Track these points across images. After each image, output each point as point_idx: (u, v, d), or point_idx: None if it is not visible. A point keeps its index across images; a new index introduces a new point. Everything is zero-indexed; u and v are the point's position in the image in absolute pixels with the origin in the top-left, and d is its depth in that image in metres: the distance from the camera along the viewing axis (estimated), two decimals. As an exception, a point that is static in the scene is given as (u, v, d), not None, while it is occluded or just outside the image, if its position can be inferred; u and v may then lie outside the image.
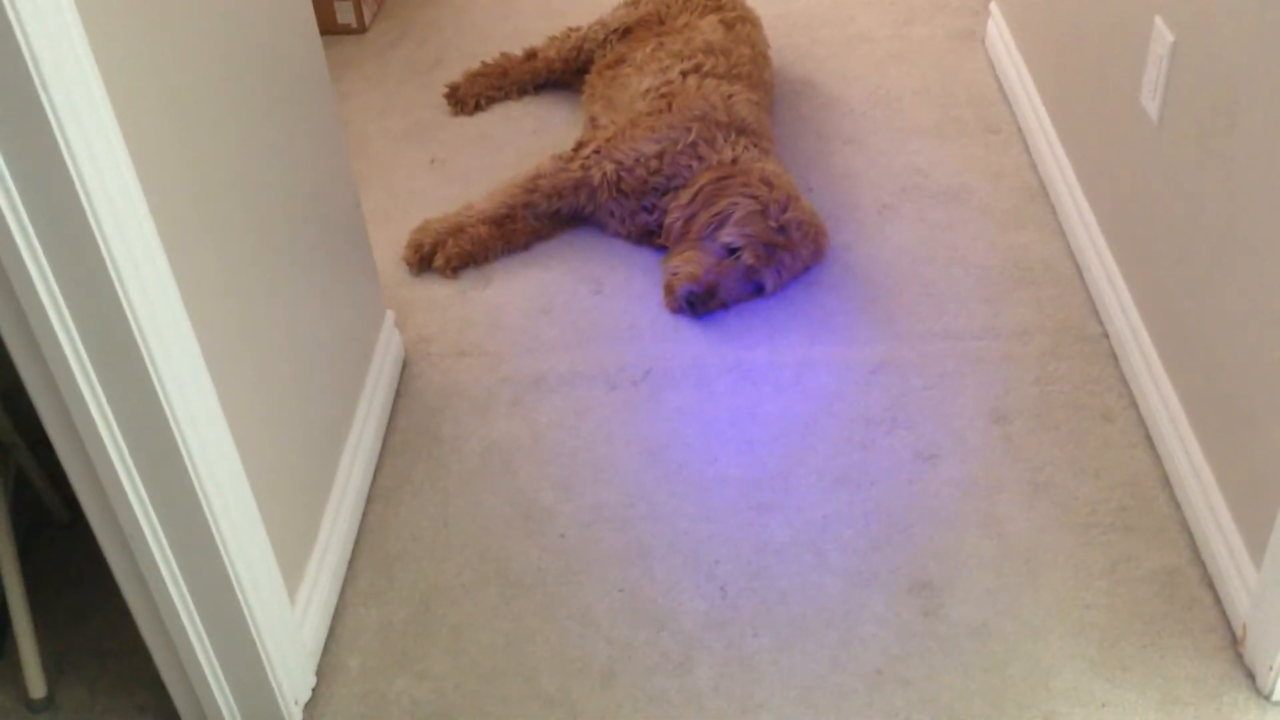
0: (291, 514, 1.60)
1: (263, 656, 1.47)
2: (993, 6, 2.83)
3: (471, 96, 2.80)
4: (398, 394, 2.06)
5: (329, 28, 3.09)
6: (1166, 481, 1.79)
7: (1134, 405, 1.92)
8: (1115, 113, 1.99)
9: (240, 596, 1.41)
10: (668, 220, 2.28)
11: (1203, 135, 1.66)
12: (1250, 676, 1.53)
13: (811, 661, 1.60)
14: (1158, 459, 1.83)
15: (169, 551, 1.36)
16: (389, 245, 2.36)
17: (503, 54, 2.87)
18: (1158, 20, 1.78)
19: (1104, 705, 1.52)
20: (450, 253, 2.31)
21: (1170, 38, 1.74)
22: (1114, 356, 2.01)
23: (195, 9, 1.37)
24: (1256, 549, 1.52)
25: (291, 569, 1.57)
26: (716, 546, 1.77)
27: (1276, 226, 1.45)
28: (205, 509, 1.34)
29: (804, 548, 1.76)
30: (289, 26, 1.67)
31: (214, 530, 1.36)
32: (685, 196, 2.27)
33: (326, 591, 1.68)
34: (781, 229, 2.19)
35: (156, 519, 1.34)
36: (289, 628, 1.54)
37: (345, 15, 3.10)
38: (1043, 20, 2.47)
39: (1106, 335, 2.05)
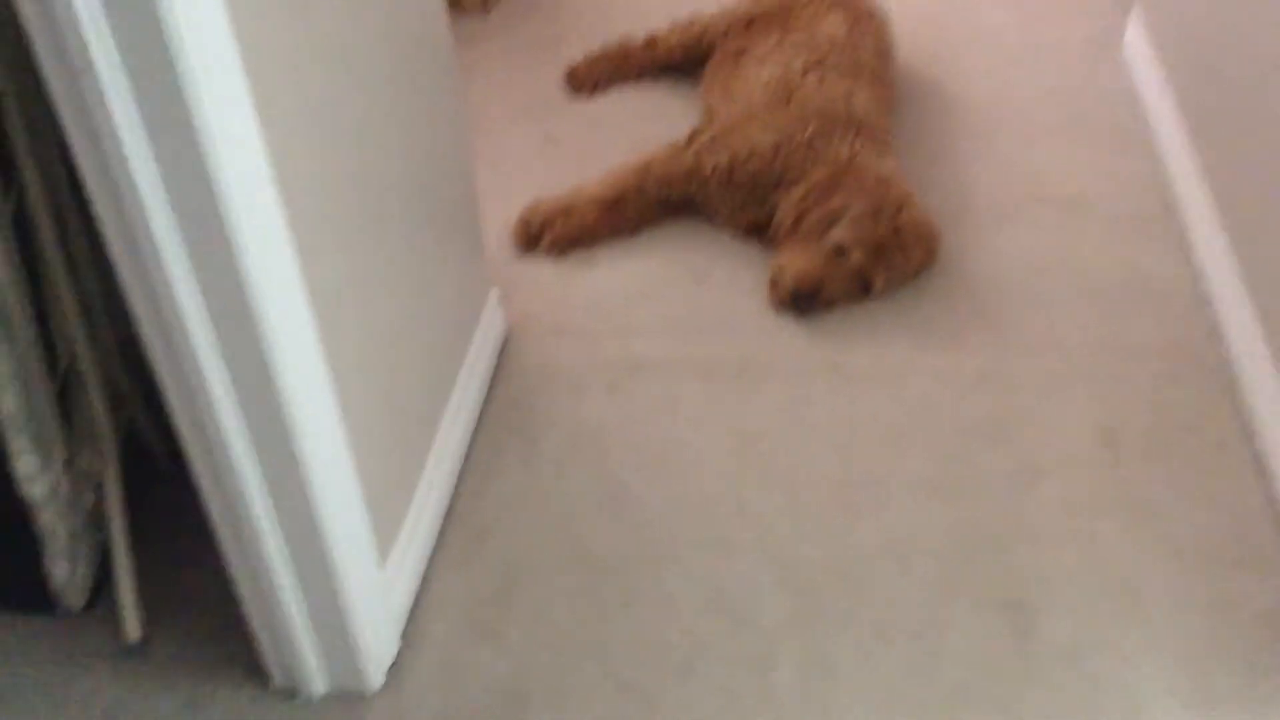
0: (388, 479, 1.63)
1: (350, 617, 1.50)
2: (1135, 9, 2.73)
3: (590, 79, 2.81)
4: (498, 369, 2.08)
5: (454, 3, 3.12)
6: (1279, 519, 1.72)
7: (1250, 436, 1.84)
8: (1264, 136, 1.91)
9: (333, 557, 1.44)
10: (779, 215, 2.25)
11: (1348, 158, 1.58)
12: (1357, 729, 1.46)
13: (894, 671, 1.58)
14: (1272, 494, 1.75)
15: (267, 508, 1.40)
16: (498, 222, 2.38)
17: (623, 38, 2.87)
18: (1308, 35, 1.70)
19: (1196, 744, 1.47)
20: (558, 233, 2.32)
21: (1321, 54, 1.66)
22: (1232, 385, 1.93)
23: (327, -20, 1.40)
24: (1374, 596, 1.44)
25: (385, 533, 1.60)
26: (803, 545, 1.75)
27: None
28: (304, 468, 1.37)
29: (893, 555, 1.73)
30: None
31: (311, 490, 1.38)
32: (798, 192, 2.24)
33: (417, 558, 1.71)
34: (894, 231, 2.15)
35: (258, 477, 1.37)
36: (378, 591, 1.57)
37: (472, -8, 3.13)
38: (1191, 32, 2.37)
39: (1226, 362, 1.97)
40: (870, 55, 2.52)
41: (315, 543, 1.43)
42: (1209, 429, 1.88)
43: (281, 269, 1.28)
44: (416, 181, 1.71)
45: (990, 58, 2.84)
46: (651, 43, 2.84)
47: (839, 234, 2.14)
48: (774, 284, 2.19)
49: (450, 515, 1.82)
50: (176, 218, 1.18)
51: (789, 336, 2.13)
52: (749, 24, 2.69)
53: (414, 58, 1.69)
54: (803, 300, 2.13)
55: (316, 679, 1.57)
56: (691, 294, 2.24)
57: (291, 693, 1.59)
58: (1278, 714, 1.49)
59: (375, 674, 1.59)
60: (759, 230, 2.32)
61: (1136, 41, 2.67)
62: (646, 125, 2.67)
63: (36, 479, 1.53)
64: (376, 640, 1.57)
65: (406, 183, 1.67)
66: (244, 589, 1.50)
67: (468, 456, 1.91)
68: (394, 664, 1.62)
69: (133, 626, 1.66)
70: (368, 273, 1.54)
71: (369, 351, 1.55)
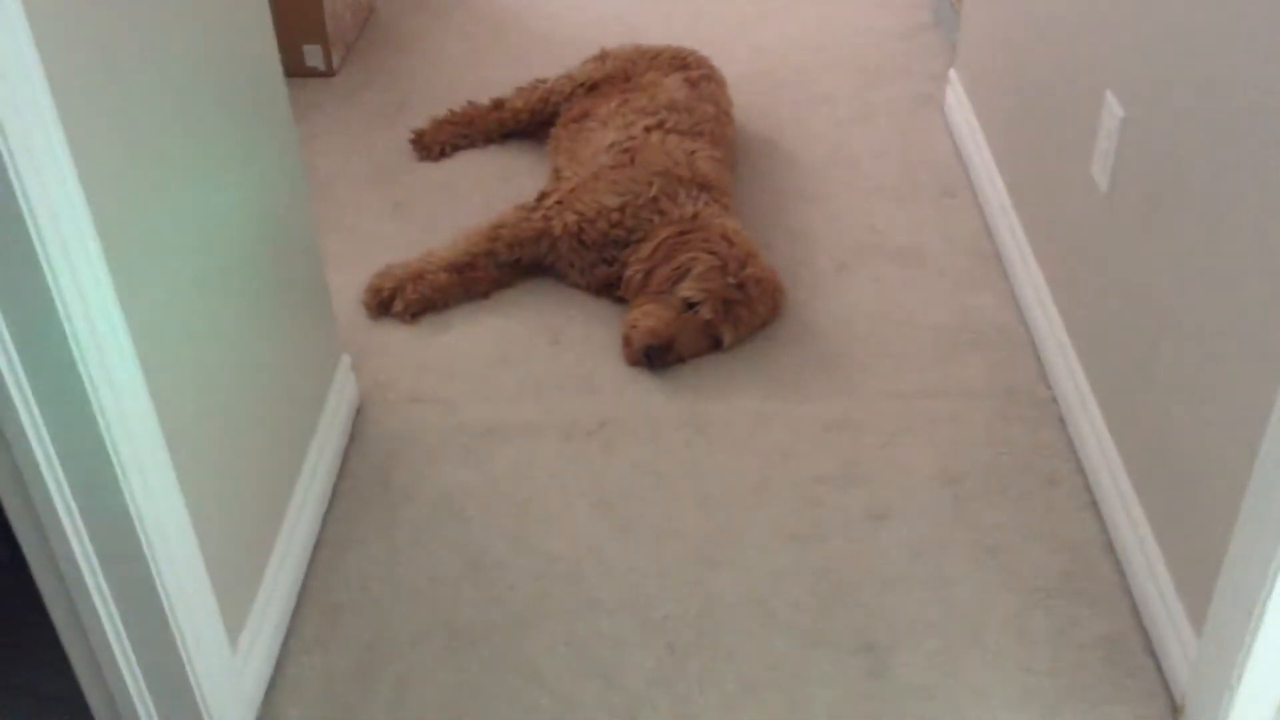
0: (236, 559, 1.58)
1: (200, 706, 1.45)
2: (952, 73, 2.90)
3: (437, 143, 2.82)
4: (351, 439, 2.05)
5: (297, 70, 3.10)
6: (1111, 547, 1.81)
7: (1081, 470, 1.95)
8: (1067, 182, 2.04)
9: (180, 644, 1.39)
10: (628, 273, 2.29)
11: (1150, 208, 1.70)
12: (1189, 745, 1.55)
13: (757, 721, 1.60)
14: (1103, 525, 1.85)
15: (108, 596, 1.34)
16: (348, 288, 2.36)
17: (469, 102, 2.89)
18: (1108, 95, 1.83)
19: (1045, 771, 1.53)
20: (410, 298, 2.31)
21: (1120, 112, 1.79)
22: (1062, 421, 2.04)
23: (157, 52, 1.37)
24: (1197, 618, 1.54)
25: (234, 616, 1.55)
26: (665, 602, 1.77)
27: (1219, 300, 1.49)
28: (147, 554, 1.32)
29: (753, 605, 1.76)
30: (252, 66, 1.68)
31: (155, 576, 1.34)
32: (645, 250, 2.28)
33: (269, 640, 1.66)
34: (740, 285, 2.21)
35: (96, 564, 1.32)
36: (229, 676, 1.51)
37: (313, 59, 3.12)
38: (999, 89, 2.53)
39: (1055, 399, 2.08)
40: (710, 116, 2.60)
41: (159, 631, 1.37)
42: (1042, 466, 1.97)
43: (115, 346, 1.24)
44: (257, 253, 1.68)
45: (824, 118, 2.96)
46: (497, 106, 2.87)
47: (687, 289, 2.19)
48: (626, 341, 2.22)
49: (305, 593, 1.78)
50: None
51: (644, 392, 2.16)
52: (592, 88, 2.75)
53: (251, 127, 1.67)
54: (655, 356, 2.17)
55: (167, 771, 1.50)
56: (546, 354, 2.25)
57: (141, 788, 1.52)
58: (1118, 736, 1.57)
59: (230, 762, 1.53)
60: (610, 288, 2.35)
61: (956, 100, 2.83)
62: (495, 188, 2.70)
63: None
64: (230, 727, 1.52)
65: (245, 255, 1.64)
66: (86, 681, 1.43)
67: (322, 531, 1.87)
68: (250, 750, 1.57)
69: (-36, 730, 1.56)
70: (207, 346, 1.51)
71: (212, 430, 1.51)
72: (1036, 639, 1.69)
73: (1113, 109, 1.81)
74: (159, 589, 1.35)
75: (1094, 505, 1.88)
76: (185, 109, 1.44)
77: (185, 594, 1.39)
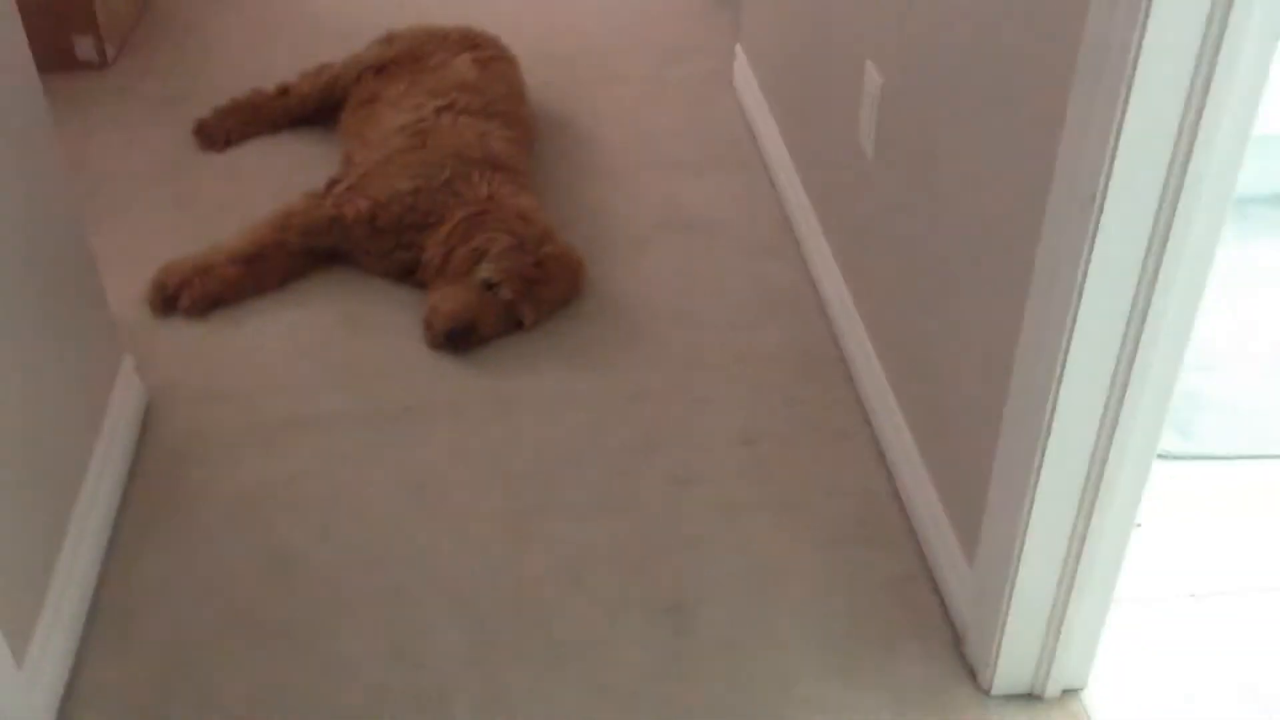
0: (16, 575, 1.51)
1: (-17, 728, 1.38)
2: (738, 49, 2.97)
3: (221, 133, 2.73)
4: (141, 442, 1.98)
5: (67, 64, 2.95)
6: (897, 495, 1.91)
7: (869, 424, 2.04)
8: (839, 149, 2.13)
9: (-47, 666, 1.33)
10: (425, 256, 2.28)
11: (910, 170, 1.79)
12: (972, 674, 1.65)
13: (569, 689, 1.62)
14: (890, 474, 1.95)
15: None
16: (132, 287, 2.27)
17: (254, 89, 2.81)
18: (868, 64, 1.92)
19: (842, 710, 1.60)
20: (196, 293, 2.24)
21: (879, 80, 1.88)
22: (850, 378, 2.14)
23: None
24: (971, 554, 1.64)
25: (18, 632, 1.48)
26: (475, 581, 1.77)
27: (975, 255, 1.59)
28: (-91, 575, 1.25)
29: (563, 576, 1.78)
30: None
31: (-81, 597, 1.27)
32: (442, 233, 2.27)
33: (61, 650, 1.59)
34: (539, 264, 2.22)
35: None
36: (16, 691, 1.45)
37: (85, 51, 2.97)
38: (777, 63, 2.61)
39: (844, 358, 2.18)
40: (502, 96, 2.60)
41: (-70, 653, 1.30)
42: (834, 421, 2.06)
43: None
44: (13, 259, 1.60)
45: (620, 97, 2.99)
46: (283, 92, 2.80)
47: (486, 270, 2.19)
48: (428, 325, 2.20)
49: (98, 600, 1.71)
50: None
51: (448, 375, 2.15)
52: (380, 70, 2.71)
53: None
54: (457, 338, 2.16)
55: (-48, 801, 1.43)
56: (346, 343, 2.22)
57: (-77, 822, 1.44)
58: (911, 670, 1.65)
59: (22, 784, 1.46)
60: (408, 273, 2.33)
61: (743, 75, 2.90)
62: (285, 177, 2.63)
63: None
64: (18, 748, 1.45)
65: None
66: None
67: (114, 536, 1.80)
68: (43, 771, 1.50)
69: None
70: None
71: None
72: (834, 587, 1.77)
73: (872, 77, 1.90)
74: (-76, 611, 1.28)
75: (881, 456, 1.98)
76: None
77: (-45, 614, 1.32)
